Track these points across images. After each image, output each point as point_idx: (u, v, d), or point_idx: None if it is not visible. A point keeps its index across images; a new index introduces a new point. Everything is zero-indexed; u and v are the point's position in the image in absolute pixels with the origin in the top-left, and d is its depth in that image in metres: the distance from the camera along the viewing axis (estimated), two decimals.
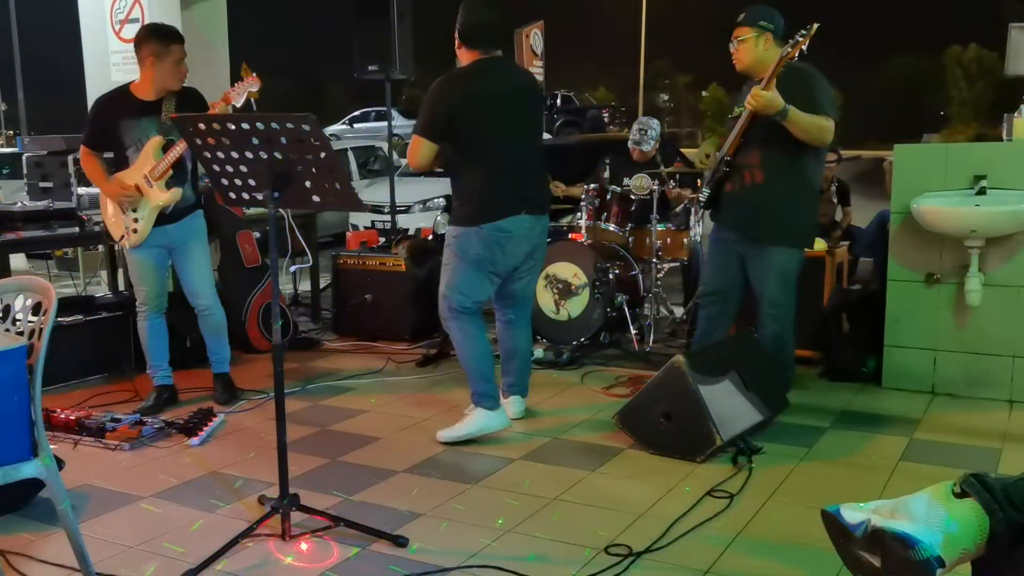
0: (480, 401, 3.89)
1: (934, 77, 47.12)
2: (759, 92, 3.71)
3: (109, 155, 4.28)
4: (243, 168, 2.94)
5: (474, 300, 3.88)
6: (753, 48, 3.92)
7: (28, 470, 2.50)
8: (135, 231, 4.18)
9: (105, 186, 4.20)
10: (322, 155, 2.81)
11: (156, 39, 4.13)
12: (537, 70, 20.22)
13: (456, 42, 3.83)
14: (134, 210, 4.17)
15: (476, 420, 3.87)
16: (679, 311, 6.01)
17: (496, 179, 3.74)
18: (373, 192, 10.82)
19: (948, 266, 4.45)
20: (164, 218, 4.21)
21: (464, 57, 3.82)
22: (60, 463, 3.12)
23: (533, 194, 3.88)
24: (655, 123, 6.15)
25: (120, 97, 4.21)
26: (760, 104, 3.71)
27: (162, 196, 4.12)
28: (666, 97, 56.11)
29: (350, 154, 12.61)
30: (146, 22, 6.73)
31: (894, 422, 4.12)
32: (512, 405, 4.16)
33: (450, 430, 3.89)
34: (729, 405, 3.74)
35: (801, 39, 3.68)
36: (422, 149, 3.72)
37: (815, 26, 3.69)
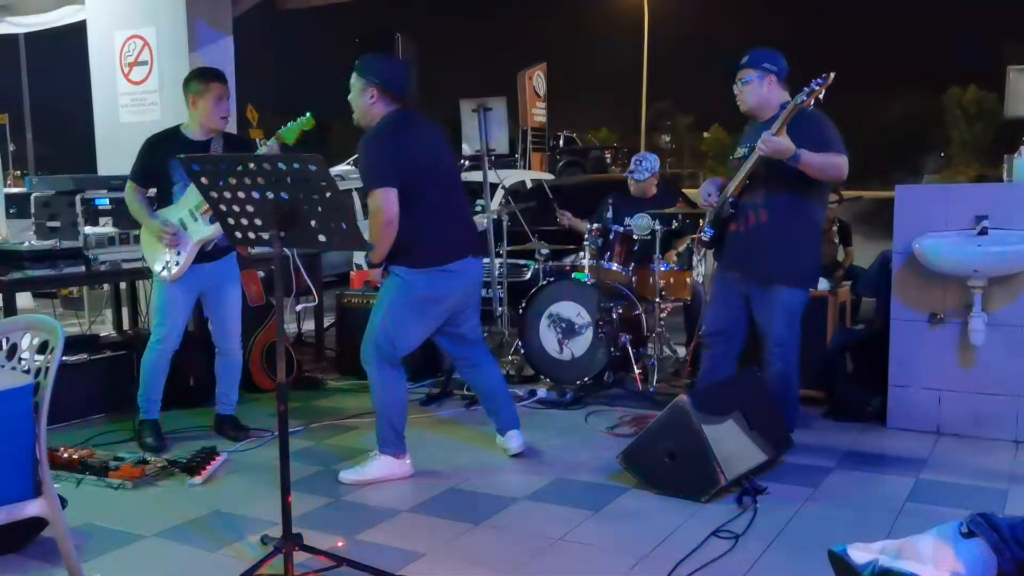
0: (385, 448, 3.93)
1: (934, 118, 47.51)
2: (770, 139, 3.73)
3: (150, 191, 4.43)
4: (249, 208, 2.96)
5: (402, 349, 3.87)
6: (757, 89, 3.97)
7: (32, 509, 2.50)
8: (176, 264, 4.27)
9: (148, 222, 4.29)
10: (328, 195, 2.83)
11: (197, 79, 4.34)
12: (540, 111, 20.41)
13: (371, 94, 3.77)
14: (173, 245, 4.27)
15: (380, 465, 3.91)
16: (682, 351, 6.01)
17: (442, 223, 3.79)
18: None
19: (951, 306, 4.45)
20: (202, 256, 4.31)
21: (379, 109, 3.79)
22: (63, 502, 3.11)
23: (474, 238, 4.01)
24: (652, 157, 6.22)
25: (170, 137, 4.35)
26: (771, 150, 3.74)
27: (206, 230, 4.23)
28: (667, 138, 56.52)
29: (355, 194, 12.68)
30: (155, 64, 6.85)
31: (900, 462, 4.10)
32: (512, 440, 4.19)
33: (353, 472, 3.93)
34: (734, 444, 3.73)
35: (817, 88, 3.73)
36: (387, 197, 3.63)
37: (831, 75, 3.73)
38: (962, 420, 4.45)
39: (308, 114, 4.12)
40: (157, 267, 4.31)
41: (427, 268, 3.77)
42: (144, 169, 4.34)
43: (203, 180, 2.97)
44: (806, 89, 3.75)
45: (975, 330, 4.30)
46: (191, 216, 4.24)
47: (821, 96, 3.74)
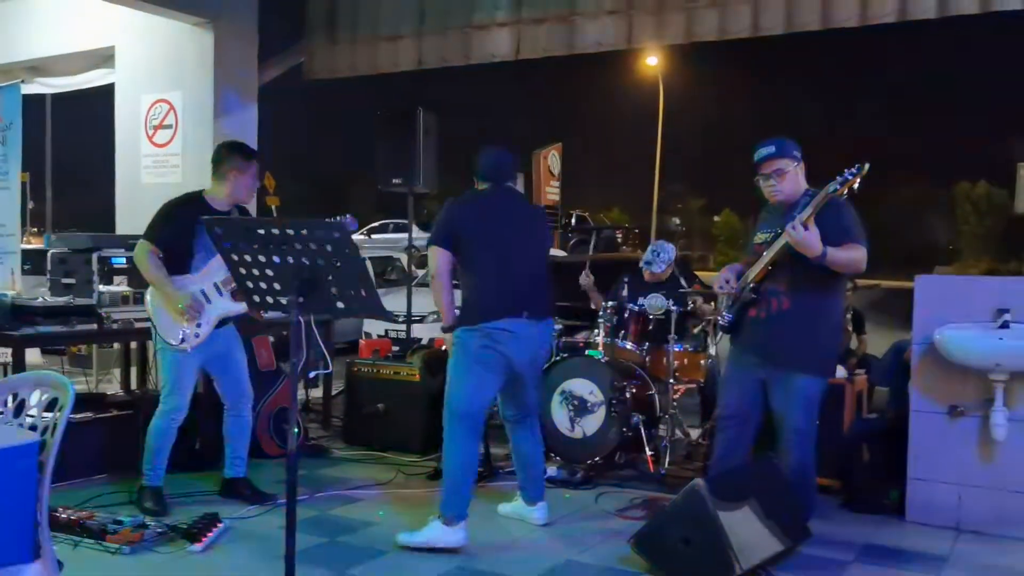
0: (442, 510, 3.93)
1: (944, 212, 47.82)
2: (799, 231, 3.70)
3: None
4: (269, 272, 2.94)
5: (477, 402, 4.01)
6: (795, 178, 3.98)
7: (28, 574, 2.42)
8: (196, 336, 4.24)
9: (172, 292, 4.21)
10: (350, 261, 2.82)
11: (241, 155, 4.42)
12: (553, 190, 20.62)
13: (475, 181, 4.31)
14: (196, 313, 4.24)
15: (431, 531, 3.91)
16: (695, 433, 5.91)
17: (495, 285, 4.04)
18: (389, 301, 10.86)
19: (972, 398, 4.37)
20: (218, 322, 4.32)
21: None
22: (59, 565, 3.02)
23: (532, 301, 4.08)
24: (670, 247, 6.14)
25: (194, 203, 4.33)
26: (798, 242, 3.72)
27: (231, 307, 4.27)
28: (678, 220, 56.88)
29: (368, 264, 12.75)
30: (179, 128, 6.95)
31: (920, 559, 3.98)
32: (538, 512, 4.32)
33: (408, 535, 3.94)
34: (749, 533, 3.62)
35: (852, 178, 3.71)
36: (435, 255, 4.08)
37: (867, 166, 3.70)
38: (983, 517, 4.33)
39: None
40: (173, 338, 4.23)
41: (478, 324, 3.98)
42: (165, 232, 4.28)
43: (225, 243, 2.96)
44: (839, 179, 3.72)
45: (997, 425, 4.22)
46: (216, 290, 4.24)
47: (856, 187, 3.72)
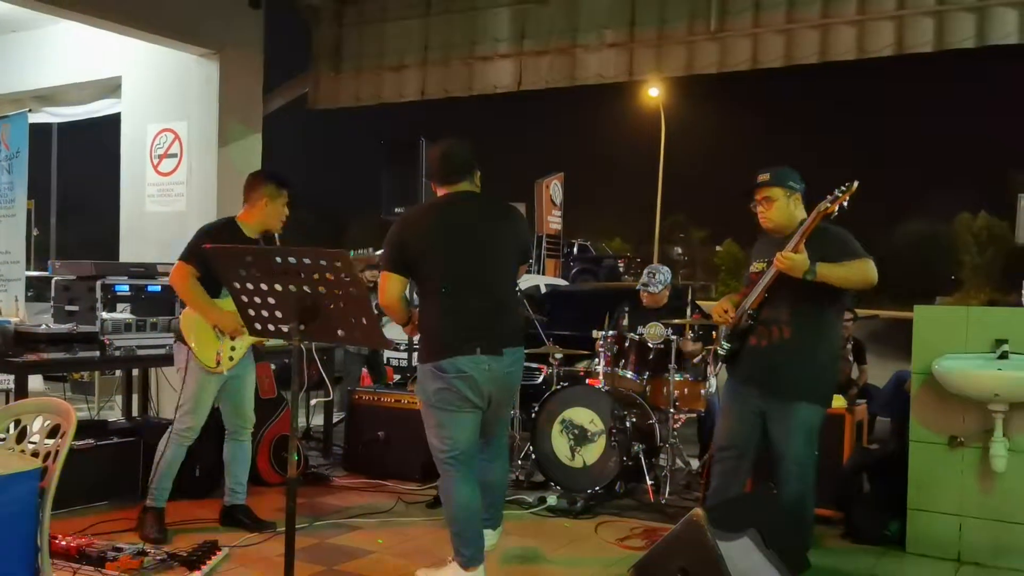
0: (456, 555, 3.71)
1: (944, 243, 47.89)
2: (788, 256, 3.72)
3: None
4: (271, 300, 2.97)
5: (456, 444, 3.62)
6: (785, 208, 3.97)
7: None
8: (231, 358, 4.29)
9: (217, 312, 4.20)
10: (351, 290, 2.84)
11: (274, 183, 4.42)
12: (555, 219, 20.71)
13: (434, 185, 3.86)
14: (232, 337, 4.27)
15: (448, 574, 3.72)
16: (695, 463, 5.91)
17: (445, 316, 3.60)
18: (390, 330, 10.87)
19: (972, 429, 4.38)
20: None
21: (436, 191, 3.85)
22: None
23: (493, 332, 3.62)
24: (665, 269, 6.24)
25: (228, 228, 4.38)
26: (786, 266, 3.73)
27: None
28: (680, 250, 56.97)
29: (368, 294, 12.76)
30: (184, 157, 7.01)
31: None
32: (485, 539, 3.94)
33: (426, 572, 3.81)
34: (748, 563, 3.61)
35: (840, 195, 3.69)
36: (389, 283, 3.62)
37: (855, 184, 3.69)
38: (984, 549, 4.32)
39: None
40: (208, 360, 4.24)
41: (432, 363, 3.60)
42: (201, 256, 4.24)
43: (228, 272, 3.00)
44: (829, 197, 3.73)
45: (996, 455, 4.22)
46: None
47: (846, 203, 3.73)
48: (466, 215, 3.71)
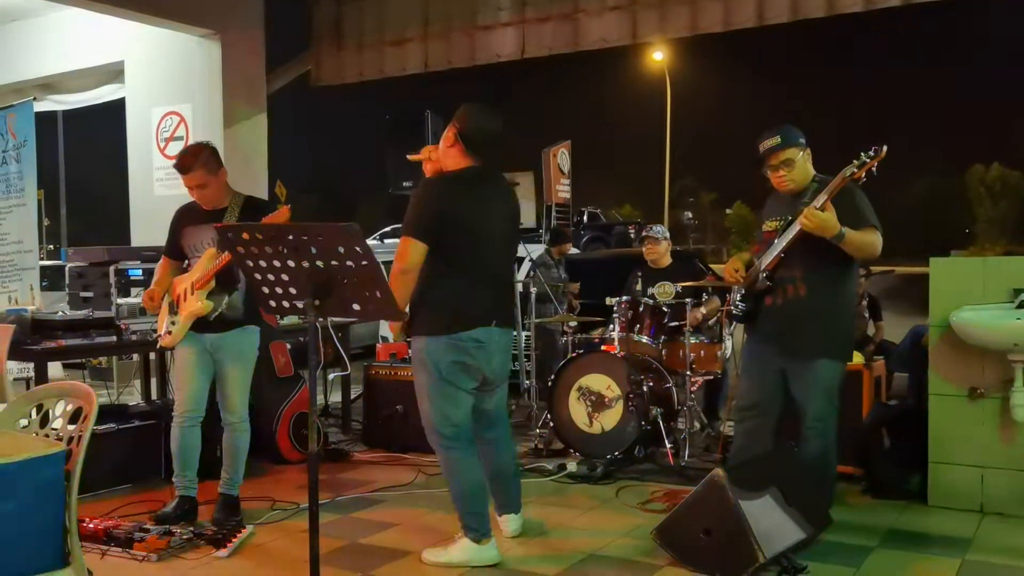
0: (466, 532, 3.71)
1: (958, 195, 47.54)
2: (817, 214, 3.68)
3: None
4: (284, 277, 2.96)
5: (458, 417, 3.68)
6: (803, 166, 3.94)
7: None
8: (169, 333, 4.25)
9: (150, 289, 4.33)
10: (363, 263, 2.83)
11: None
12: (564, 188, 20.62)
13: (451, 142, 3.69)
14: (175, 313, 4.24)
15: (461, 550, 3.71)
16: (716, 425, 5.92)
17: (475, 289, 3.64)
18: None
19: (991, 380, 4.36)
20: (205, 326, 4.19)
21: (454, 160, 3.71)
22: (88, 573, 3.06)
23: (505, 307, 3.85)
24: (658, 226, 6.39)
25: (188, 206, 4.36)
26: (815, 225, 3.68)
27: (193, 306, 4.15)
28: (690, 215, 56.81)
29: (381, 268, 12.76)
30: (190, 140, 7.00)
31: (944, 542, 3.97)
32: (509, 524, 4.03)
33: (435, 553, 3.76)
34: (771, 521, 3.62)
35: (869, 160, 3.66)
36: (412, 249, 3.55)
37: (884, 148, 3.62)
38: (1006, 499, 4.31)
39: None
40: (160, 331, 4.31)
41: (451, 335, 3.60)
42: (169, 240, 4.37)
43: (239, 249, 2.99)
44: (856, 162, 3.68)
45: (1017, 405, 4.19)
46: (190, 289, 4.18)
47: (874, 169, 3.69)
48: (490, 194, 3.76)
